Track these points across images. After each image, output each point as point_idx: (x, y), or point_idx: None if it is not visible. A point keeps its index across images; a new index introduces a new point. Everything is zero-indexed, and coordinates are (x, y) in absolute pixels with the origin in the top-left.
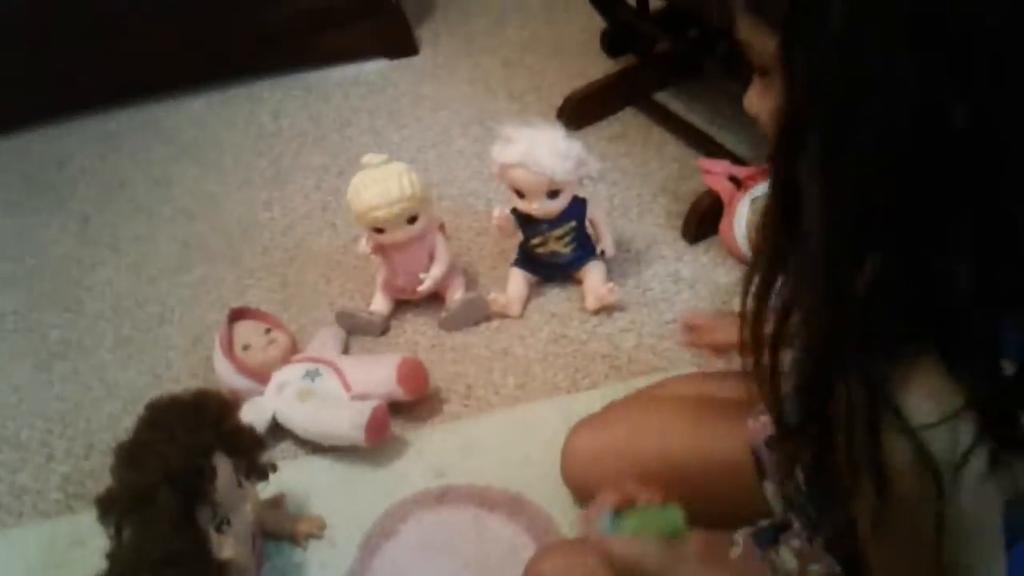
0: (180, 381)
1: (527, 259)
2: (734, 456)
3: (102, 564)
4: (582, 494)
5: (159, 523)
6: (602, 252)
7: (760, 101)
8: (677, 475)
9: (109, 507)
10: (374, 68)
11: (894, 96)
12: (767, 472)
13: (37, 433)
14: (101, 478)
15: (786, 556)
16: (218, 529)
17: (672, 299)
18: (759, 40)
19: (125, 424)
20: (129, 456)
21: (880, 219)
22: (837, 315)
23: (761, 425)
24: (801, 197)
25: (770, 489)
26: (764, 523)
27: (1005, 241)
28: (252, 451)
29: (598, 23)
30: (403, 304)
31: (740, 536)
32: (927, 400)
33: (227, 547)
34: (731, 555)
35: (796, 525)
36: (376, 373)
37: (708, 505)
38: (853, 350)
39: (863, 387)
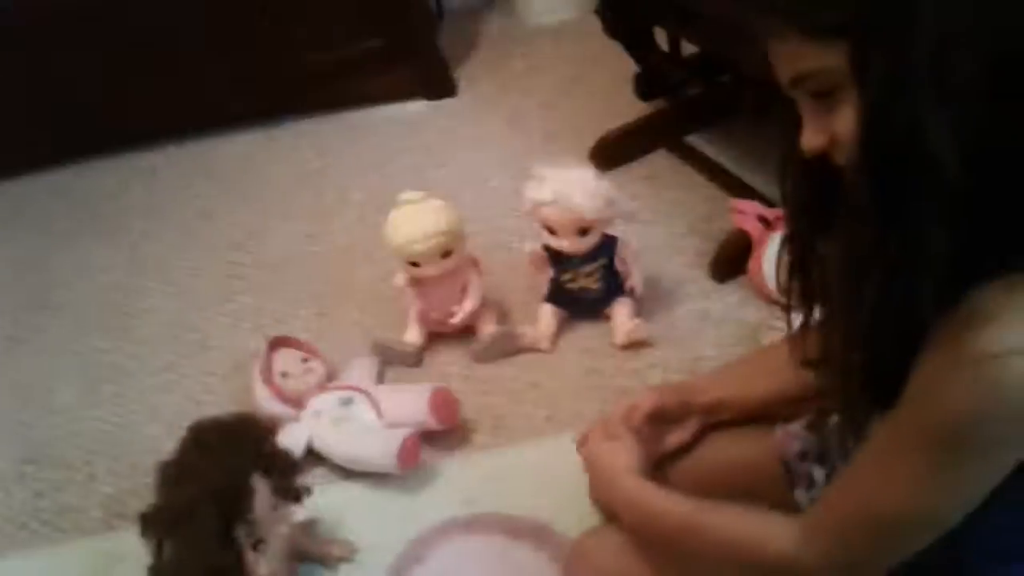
0: (220, 406)
1: (558, 295)
2: (763, 463)
3: None
4: (611, 514)
5: (200, 540)
6: (631, 289)
7: (823, 126)
8: (706, 478)
9: (152, 523)
10: (414, 109)
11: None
12: (796, 481)
13: (81, 453)
14: (143, 498)
15: None
16: (255, 548)
17: (699, 336)
18: (825, 62)
19: (167, 446)
20: (172, 474)
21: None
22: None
23: (790, 435)
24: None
25: (801, 496)
26: None
27: None
28: (288, 474)
29: (631, 67)
30: (436, 336)
31: None
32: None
33: (263, 566)
34: None
35: None
36: (408, 403)
37: None
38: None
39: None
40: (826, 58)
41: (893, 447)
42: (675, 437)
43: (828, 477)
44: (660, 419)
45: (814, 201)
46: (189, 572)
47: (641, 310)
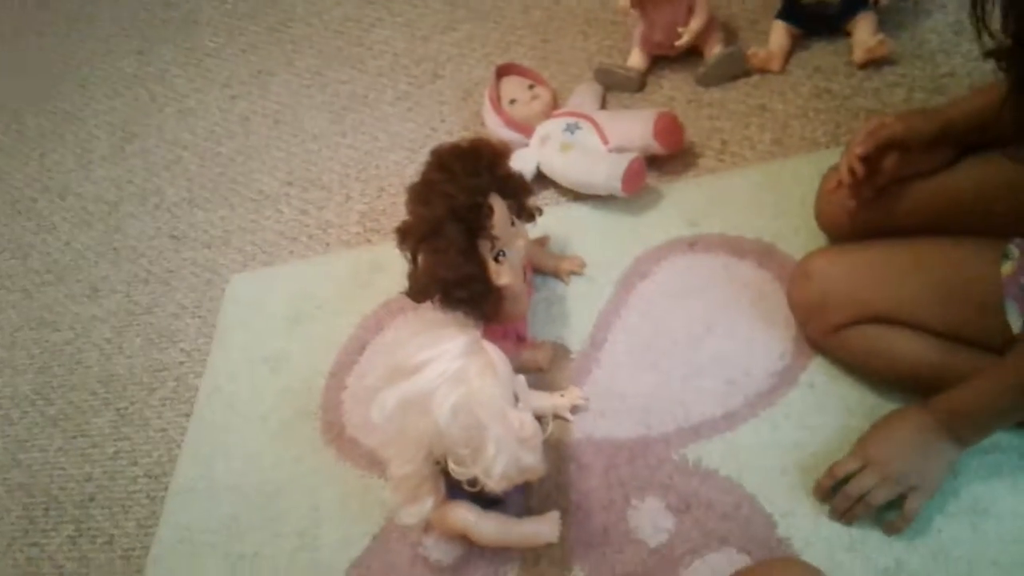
0: (453, 133)
1: (792, 10)
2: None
3: (399, 286)
4: (836, 235)
5: (448, 251)
6: (875, 1)
7: None
8: (942, 200)
9: (406, 236)
10: None
11: None
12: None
13: (336, 176)
14: (392, 215)
15: None
16: (495, 260)
17: (951, 51)
18: None
19: (408, 170)
20: (420, 194)
21: None
22: None
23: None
24: None
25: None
26: None
27: None
28: (522, 194)
29: None
30: (660, 60)
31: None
32: None
33: (504, 275)
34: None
35: None
36: (633, 127)
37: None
38: None
39: None
40: None
41: None
42: (923, 163)
43: None
44: (906, 147)
45: None
46: (440, 278)
47: (885, 25)
